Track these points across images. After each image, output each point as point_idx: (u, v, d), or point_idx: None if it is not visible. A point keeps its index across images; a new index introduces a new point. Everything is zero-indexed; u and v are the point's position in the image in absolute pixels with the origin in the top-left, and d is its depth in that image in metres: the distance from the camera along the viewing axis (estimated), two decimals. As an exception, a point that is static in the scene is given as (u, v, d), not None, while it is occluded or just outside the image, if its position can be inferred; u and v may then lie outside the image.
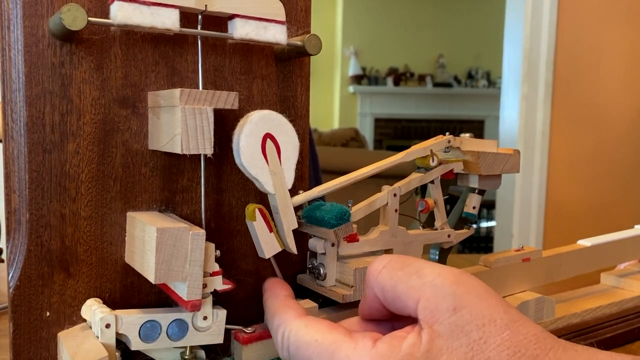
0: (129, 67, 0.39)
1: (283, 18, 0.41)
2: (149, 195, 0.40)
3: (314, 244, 0.44)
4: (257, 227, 0.40)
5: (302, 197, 0.43)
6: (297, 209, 0.45)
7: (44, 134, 0.37)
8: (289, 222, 0.41)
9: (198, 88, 0.40)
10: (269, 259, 0.42)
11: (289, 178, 0.41)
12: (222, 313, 0.39)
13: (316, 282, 0.45)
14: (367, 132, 5.42)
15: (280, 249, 0.41)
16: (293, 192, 0.42)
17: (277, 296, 0.39)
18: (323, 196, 0.45)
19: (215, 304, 0.39)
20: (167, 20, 0.36)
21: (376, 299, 0.35)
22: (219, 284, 0.38)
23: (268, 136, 0.39)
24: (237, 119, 0.40)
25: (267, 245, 0.40)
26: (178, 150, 0.36)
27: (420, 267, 0.33)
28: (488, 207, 3.81)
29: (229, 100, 0.37)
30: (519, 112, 2.39)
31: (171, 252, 0.35)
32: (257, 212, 0.39)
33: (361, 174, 0.46)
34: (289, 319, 0.35)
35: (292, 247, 0.41)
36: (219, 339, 0.39)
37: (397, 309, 0.33)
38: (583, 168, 2.43)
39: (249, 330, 0.41)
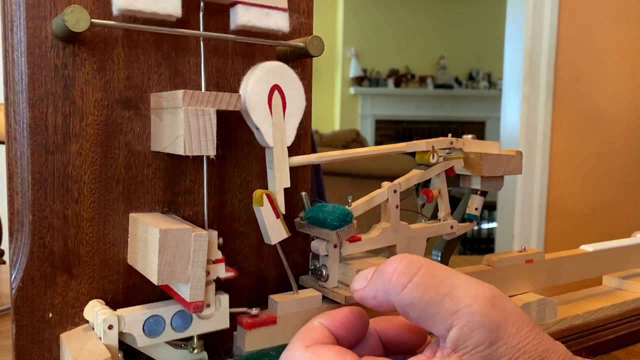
0: (131, 68, 0.39)
1: (285, 5, 0.41)
2: (151, 196, 0.40)
3: (317, 246, 0.44)
4: (264, 212, 0.40)
5: (299, 159, 0.43)
6: (298, 208, 0.45)
7: (46, 135, 0.37)
8: (282, 179, 0.41)
9: (200, 89, 0.40)
10: (270, 258, 0.42)
11: (290, 135, 0.41)
12: (225, 298, 0.39)
13: (318, 283, 0.45)
14: (368, 134, 5.41)
15: (286, 236, 0.41)
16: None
17: (310, 321, 0.35)
18: (324, 197, 0.45)
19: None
20: (169, 5, 0.36)
21: (390, 307, 0.32)
22: (222, 271, 0.38)
23: (276, 88, 0.39)
24: (239, 120, 0.40)
25: (274, 231, 0.40)
26: (181, 152, 0.36)
27: (454, 286, 0.30)
28: (489, 209, 3.81)
29: (231, 101, 0.37)
30: (520, 113, 2.39)
31: (174, 253, 0.35)
32: (265, 198, 0.39)
33: (362, 152, 0.46)
34: (294, 348, 0.33)
35: (281, 206, 0.41)
36: (225, 324, 0.39)
37: (420, 325, 0.31)
38: (584, 169, 2.43)
39: (253, 311, 0.40)
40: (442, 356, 0.30)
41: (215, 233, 0.37)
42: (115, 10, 0.36)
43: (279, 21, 0.40)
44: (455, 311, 0.29)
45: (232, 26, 0.40)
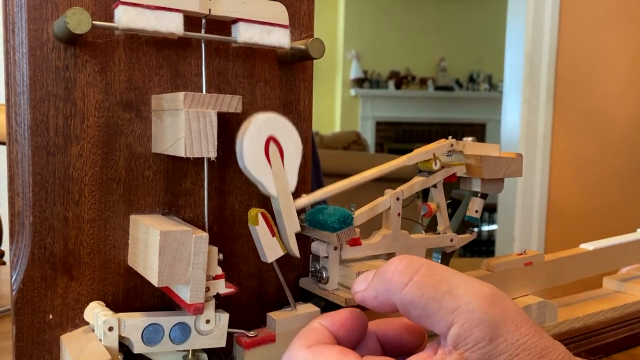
0: (132, 70, 0.39)
1: (286, 22, 0.41)
2: (152, 198, 0.40)
3: (317, 247, 0.44)
4: (260, 231, 0.40)
5: (305, 200, 0.43)
6: (299, 212, 0.45)
7: (47, 137, 0.37)
8: (291, 225, 0.41)
9: (201, 91, 0.40)
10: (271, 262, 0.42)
11: (292, 181, 0.41)
12: (225, 316, 0.39)
13: (318, 285, 0.45)
14: (369, 135, 5.41)
15: (282, 253, 0.41)
16: (296, 195, 0.42)
17: (311, 322, 0.35)
18: (325, 200, 0.45)
19: (218, 307, 0.39)
20: (171, 24, 0.37)
21: (392, 306, 0.32)
22: (221, 287, 0.38)
23: (271, 139, 0.39)
24: (240, 123, 0.40)
25: (270, 249, 0.40)
26: (182, 154, 0.36)
27: (454, 285, 0.31)
28: (490, 211, 3.81)
29: (232, 103, 0.37)
30: (520, 115, 2.39)
31: (174, 255, 0.35)
32: (260, 217, 0.39)
33: (364, 177, 0.46)
34: (295, 348, 0.33)
35: (295, 251, 0.41)
36: (222, 342, 0.39)
37: (421, 324, 0.32)
38: (585, 171, 2.43)
39: (251, 334, 0.41)
40: (443, 354, 0.30)
41: (215, 249, 0.37)
42: (118, 28, 0.35)
43: (281, 38, 0.41)
44: (455, 308, 0.30)
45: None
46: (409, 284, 0.31)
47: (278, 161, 0.40)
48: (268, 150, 0.39)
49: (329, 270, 0.44)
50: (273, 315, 0.42)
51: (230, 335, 0.41)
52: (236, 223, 0.43)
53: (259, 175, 0.39)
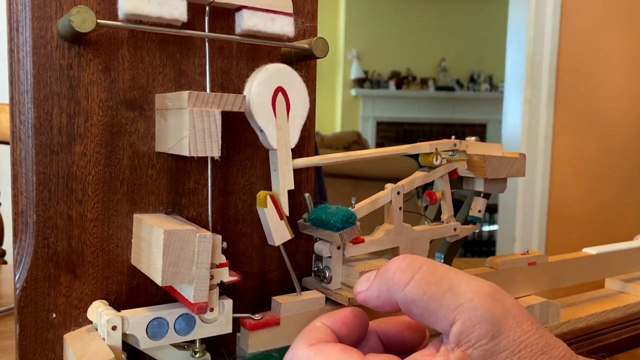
0: (136, 69, 0.39)
1: (290, 10, 0.41)
2: (155, 197, 0.40)
3: (320, 247, 0.44)
4: (268, 214, 0.40)
5: (303, 161, 0.43)
6: (301, 210, 0.45)
7: (51, 135, 0.37)
8: (286, 181, 0.41)
9: (205, 90, 0.40)
10: (273, 259, 0.42)
11: (294, 137, 0.41)
12: (229, 303, 0.39)
13: (321, 284, 0.45)
14: (369, 136, 5.41)
15: (289, 237, 0.41)
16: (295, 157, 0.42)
17: (313, 322, 0.35)
18: (326, 199, 0.44)
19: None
20: (175, 10, 0.36)
21: (394, 305, 0.33)
22: (225, 275, 0.38)
23: (280, 90, 0.39)
24: (243, 122, 0.40)
25: (277, 232, 0.40)
26: (185, 153, 0.36)
27: (455, 283, 0.31)
28: (490, 211, 3.81)
29: (236, 102, 0.37)
30: (521, 116, 2.39)
31: (178, 254, 0.35)
32: (269, 199, 0.39)
33: (365, 154, 0.46)
34: (298, 346, 0.33)
35: (285, 208, 0.41)
36: (228, 329, 0.39)
37: (423, 322, 0.32)
38: (586, 172, 2.43)
39: (256, 316, 0.40)
40: (445, 351, 0.30)
41: (219, 237, 0.37)
42: (121, 14, 0.36)
43: (284, 26, 0.40)
44: (457, 306, 0.30)
45: (238, 30, 0.40)
46: (410, 282, 0.31)
47: (283, 114, 0.40)
48: (275, 100, 0.39)
49: (332, 270, 0.44)
50: (278, 299, 0.42)
51: (233, 334, 0.41)
52: (239, 222, 0.43)
53: (262, 123, 0.39)
